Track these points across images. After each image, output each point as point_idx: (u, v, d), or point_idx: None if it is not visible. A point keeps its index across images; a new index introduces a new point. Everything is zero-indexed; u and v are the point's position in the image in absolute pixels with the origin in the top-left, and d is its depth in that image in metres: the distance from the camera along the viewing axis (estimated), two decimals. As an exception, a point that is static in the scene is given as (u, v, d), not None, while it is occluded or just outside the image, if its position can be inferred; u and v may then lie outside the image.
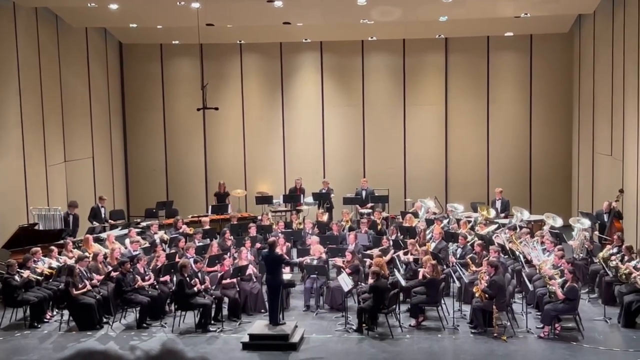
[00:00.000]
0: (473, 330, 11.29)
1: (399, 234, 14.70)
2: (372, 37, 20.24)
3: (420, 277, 11.99)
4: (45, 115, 16.64)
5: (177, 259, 12.86)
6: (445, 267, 12.88)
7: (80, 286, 11.74)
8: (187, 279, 11.66)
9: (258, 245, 14.40)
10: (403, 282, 11.99)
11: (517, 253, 12.85)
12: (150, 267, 12.64)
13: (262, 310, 12.33)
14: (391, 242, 13.96)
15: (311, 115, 20.99)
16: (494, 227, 15.16)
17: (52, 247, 13.34)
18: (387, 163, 20.67)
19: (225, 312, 12.10)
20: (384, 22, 18.10)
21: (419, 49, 20.52)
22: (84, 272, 12.05)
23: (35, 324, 11.95)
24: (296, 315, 12.28)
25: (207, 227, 15.71)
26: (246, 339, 10.95)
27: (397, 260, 13.05)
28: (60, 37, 17.53)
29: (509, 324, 11.31)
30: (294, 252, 14.31)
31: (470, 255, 13.03)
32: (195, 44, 18.49)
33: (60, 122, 17.51)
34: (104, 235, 15.19)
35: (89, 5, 15.98)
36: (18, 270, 12.08)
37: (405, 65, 20.65)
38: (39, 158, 16.36)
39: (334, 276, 13.02)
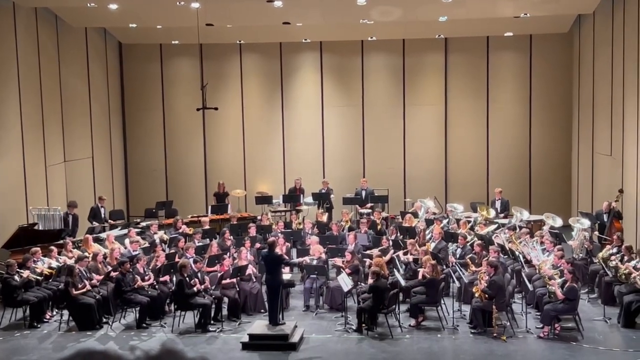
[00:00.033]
0: (473, 331, 11.29)
1: (398, 234, 14.71)
2: (371, 37, 20.23)
3: (419, 277, 11.97)
4: (45, 115, 16.63)
5: (176, 259, 12.85)
6: (444, 267, 12.87)
7: (79, 286, 11.73)
8: (187, 279, 11.65)
9: (258, 245, 14.40)
10: (403, 282, 11.99)
11: (517, 253, 12.83)
12: (150, 267, 12.64)
13: (262, 310, 12.33)
14: (391, 242, 13.95)
15: (311, 115, 20.98)
16: (493, 227, 15.16)
17: (52, 247, 13.33)
18: (386, 163, 20.65)
19: (224, 312, 12.09)
20: (383, 22, 18.09)
21: (419, 49, 20.51)
22: (84, 272, 12.06)
23: (35, 324, 11.94)
24: (296, 315, 12.27)
25: (207, 227, 15.69)
26: (246, 339, 10.95)
27: (397, 260, 13.04)
28: (60, 37, 17.52)
29: (508, 324, 11.31)
30: (294, 252, 14.28)
31: (470, 255, 13.03)
32: (194, 44, 18.50)
33: (59, 122, 17.50)
34: (103, 235, 15.18)
35: (88, 5, 15.97)
36: (18, 270, 12.07)
37: (405, 65, 20.64)
38: (38, 158, 16.35)
39: (334, 276, 13.02)
